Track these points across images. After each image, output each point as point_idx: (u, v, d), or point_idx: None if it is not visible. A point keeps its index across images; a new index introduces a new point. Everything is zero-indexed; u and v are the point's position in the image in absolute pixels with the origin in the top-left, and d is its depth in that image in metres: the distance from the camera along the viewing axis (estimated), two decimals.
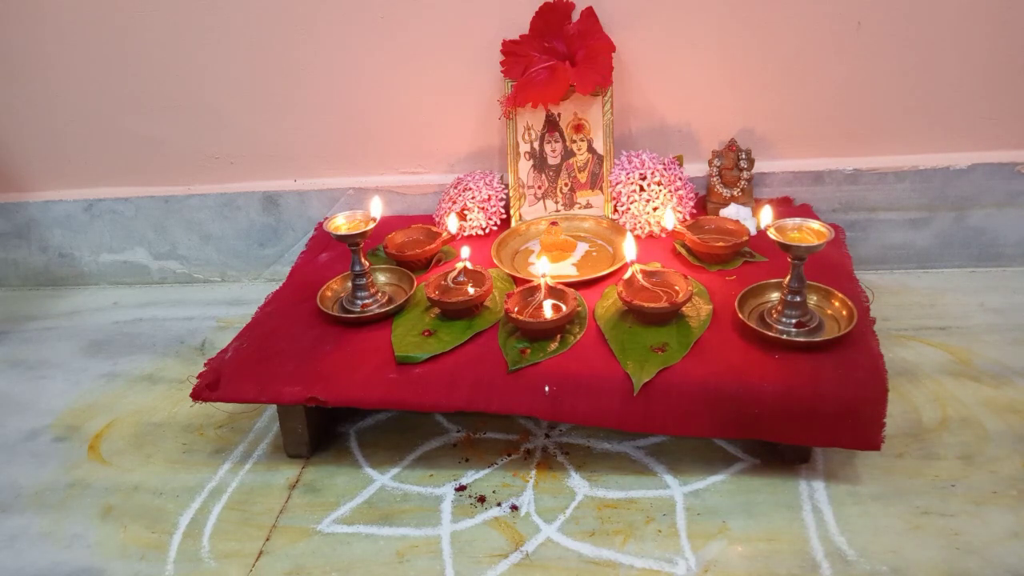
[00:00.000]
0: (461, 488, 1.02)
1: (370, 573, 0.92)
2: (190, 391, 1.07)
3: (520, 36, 1.31)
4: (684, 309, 1.06)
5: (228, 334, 1.25)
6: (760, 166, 1.36)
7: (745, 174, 1.31)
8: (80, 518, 1.04)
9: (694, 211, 1.32)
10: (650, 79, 1.35)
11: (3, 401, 1.30)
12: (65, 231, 1.61)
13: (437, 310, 1.11)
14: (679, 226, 1.22)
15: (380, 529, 0.97)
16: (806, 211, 1.36)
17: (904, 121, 1.34)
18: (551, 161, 1.36)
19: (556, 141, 1.35)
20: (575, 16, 1.29)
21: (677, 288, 1.07)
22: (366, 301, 1.14)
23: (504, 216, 1.38)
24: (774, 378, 0.95)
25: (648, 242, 1.27)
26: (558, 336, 1.05)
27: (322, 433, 1.13)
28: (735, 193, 1.31)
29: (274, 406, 1.13)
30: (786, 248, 0.98)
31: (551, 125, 1.35)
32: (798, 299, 1.00)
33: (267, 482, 1.07)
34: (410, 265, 1.24)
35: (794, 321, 1.00)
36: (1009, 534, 0.89)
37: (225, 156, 1.52)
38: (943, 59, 1.29)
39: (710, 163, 1.34)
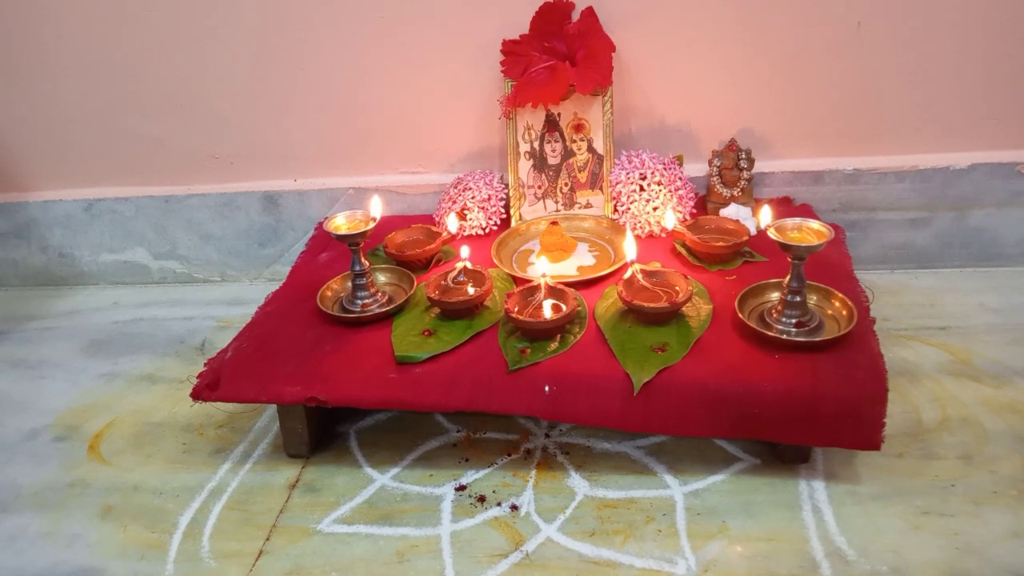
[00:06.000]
0: (461, 488, 1.02)
1: (370, 573, 0.92)
2: (190, 391, 1.07)
3: (520, 36, 1.31)
4: (684, 309, 1.06)
5: (228, 334, 1.25)
6: (760, 166, 1.36)
7: (745, 174, 1.31)
8: (80, 518, 1.03)
9: (694, 211, 1.32)
10: (650, 79, 1.35)
11: (3, 401, 1.30)
12: (65, 231, 1.61)
13: (437, 310, 1.11)
14: (679, 226, 1.22)
15: (380, 529, 0.97)
16: (806, 211, 1.36)
17: (904, 121, 1.34)
18: (551, 161, 1.36)
19: (556, 141, 1.35)
20: (575, 16, 1.29)
21: (677, 288, 1.06)
22: (366, 301, 1.14)
23: (504, 216, 1.38)
24: (774, 378, 0.95)
25: (648, 242, 1.27)
26: (558, 336, 1.05)
27: (322, 433, 1.13)
28: (735, 193, 1.31)
29: (274, 406, 1.13)
30: (786, 248, 0.98)
31: (551, 125, 1.34)
32: (798, 299, 1.00)
33: (267, 482, 1.07)
34: (410, 265, 1.24)
35: (794, 321, 1.00)
36: (1009, 534, 0.89)
37: (225, 156, 1.52)
38: (943, 59, 1.29)
39: (710, 163, 1.34)
